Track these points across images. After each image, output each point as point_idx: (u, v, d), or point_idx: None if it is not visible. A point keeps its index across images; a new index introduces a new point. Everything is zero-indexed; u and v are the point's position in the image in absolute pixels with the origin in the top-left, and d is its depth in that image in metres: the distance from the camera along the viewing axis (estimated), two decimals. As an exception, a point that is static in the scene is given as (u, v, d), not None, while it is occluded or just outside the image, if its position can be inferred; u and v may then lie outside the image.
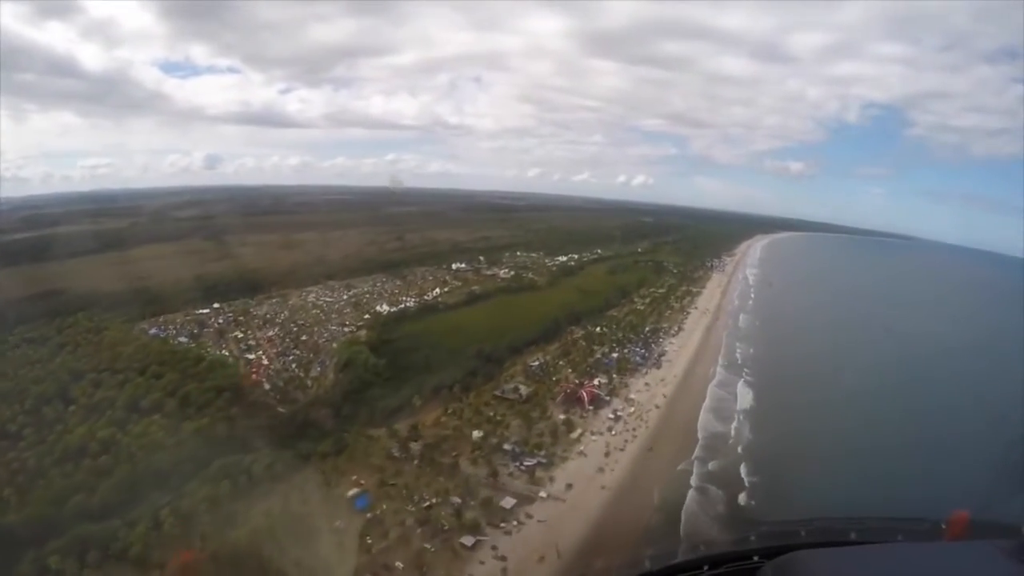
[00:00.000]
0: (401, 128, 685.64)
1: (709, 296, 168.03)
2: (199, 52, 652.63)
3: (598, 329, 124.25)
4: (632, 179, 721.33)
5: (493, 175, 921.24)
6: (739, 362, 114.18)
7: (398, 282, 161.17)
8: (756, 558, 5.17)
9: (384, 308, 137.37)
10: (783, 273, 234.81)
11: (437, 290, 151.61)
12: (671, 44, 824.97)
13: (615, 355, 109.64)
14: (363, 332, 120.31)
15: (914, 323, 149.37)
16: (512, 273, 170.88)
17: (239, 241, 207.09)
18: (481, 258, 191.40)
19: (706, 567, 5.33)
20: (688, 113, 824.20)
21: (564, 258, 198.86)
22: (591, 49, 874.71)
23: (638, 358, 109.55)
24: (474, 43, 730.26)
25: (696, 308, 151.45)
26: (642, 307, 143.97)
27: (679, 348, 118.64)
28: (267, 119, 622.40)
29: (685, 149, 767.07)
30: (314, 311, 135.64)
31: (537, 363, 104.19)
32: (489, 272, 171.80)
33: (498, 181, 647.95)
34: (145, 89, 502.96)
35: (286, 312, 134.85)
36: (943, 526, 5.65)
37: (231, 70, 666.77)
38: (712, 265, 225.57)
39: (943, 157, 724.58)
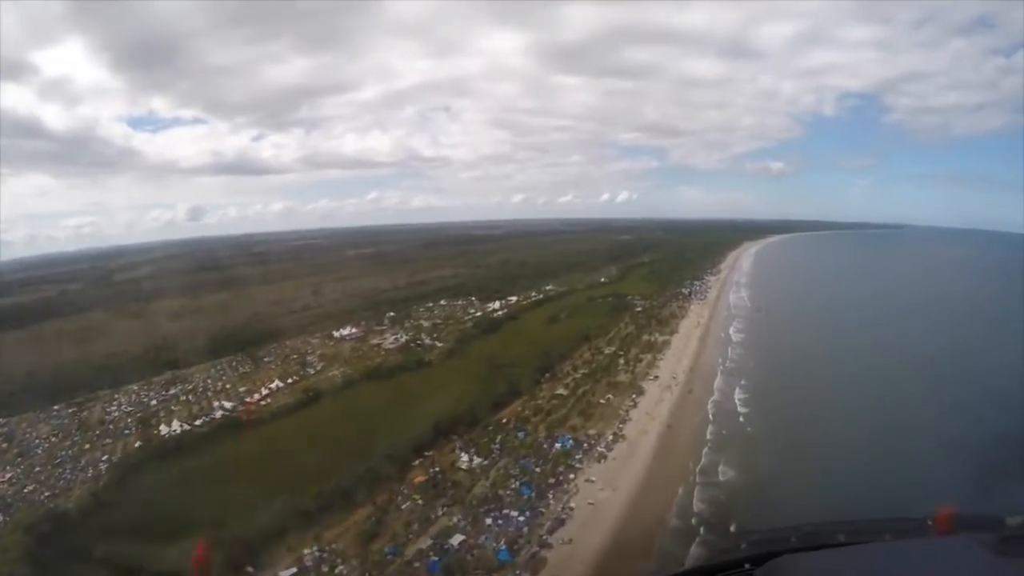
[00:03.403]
0: (378, 166, 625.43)
1: (679, 349, 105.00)
2: (161, 105, 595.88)
3: (465, 459, 63.19)
4: (616, 196, 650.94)
5: (478, 205, 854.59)
6: (698, 512, 52.31)
7: (244, 369, 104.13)
8: (747, 566, 4.51)
9: (173, 427, 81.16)
10: (776, 291, 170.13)
11: (276, 383, 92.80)
12: (635, 51, 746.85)
13: (457, 539, 48.86)
14: (94, 485, 65.66)
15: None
16: (405, 339, 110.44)
17: (134, 311, 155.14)
18: (390, 314, 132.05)
19: None
20: (663, 122, 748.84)
21: (498, 304, 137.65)
22: (555, 65, 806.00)
23: (502, 546, 48.11)
24: (435, 70, 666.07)
25: (656, 377, 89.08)
26: (567, 391, 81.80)
27: (601, 490, 57.29)
28: (243, 167, 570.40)
29: (665, 160, 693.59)
30: (97, 430, 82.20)
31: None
32: (376, 341, 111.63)
33: (483, 211, 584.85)
34: (115, 146, 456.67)
35: (62, 432, 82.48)
36: (929, 523, 5.09)
37: (197, 120, 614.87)
38: (691, 291, 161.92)
39: (926, 140, 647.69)
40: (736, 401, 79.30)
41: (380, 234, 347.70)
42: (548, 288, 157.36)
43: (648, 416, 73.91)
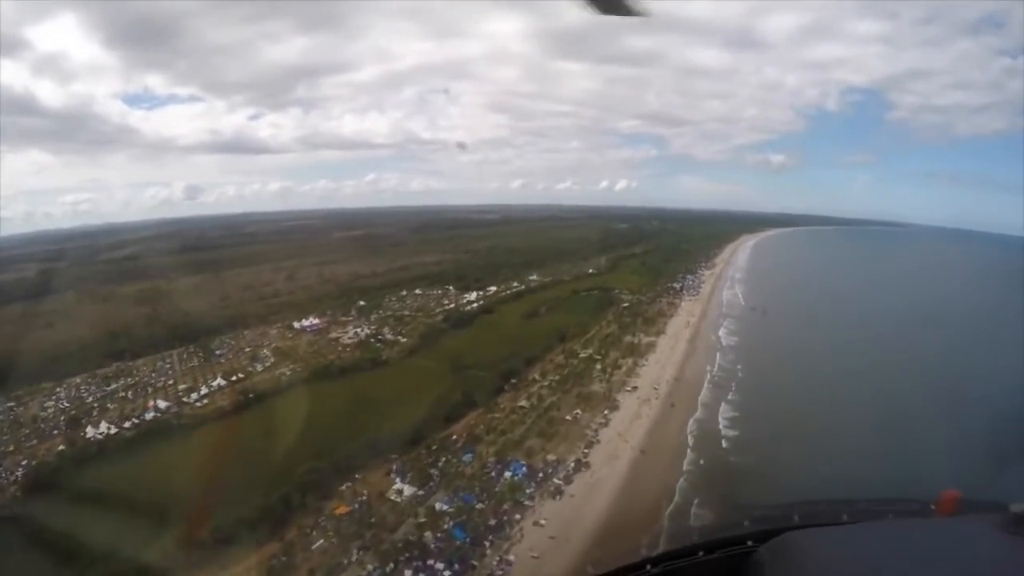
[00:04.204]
0: (376, 147, 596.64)
1: (665, 354, 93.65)
2: (156, 82, 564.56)
3: (397, 487, 52.61)
4: (615, 184, 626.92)
5: (477, 189, 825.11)
6: None
7: (193, 362, 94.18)
8: (750, 543, 4.24)
9: (100, 429, 71.99)
10: (773, 289, 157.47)
11: (219, 381, 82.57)
12: (638, 38, 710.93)
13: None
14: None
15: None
16: (367, 333, 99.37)
17: (104, 295, 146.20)
18: (360, 303, 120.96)
19: (701, 553, 4.36)
20: (664, 111, 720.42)
21: (475, 295, 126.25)
22: (556, 50, 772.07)
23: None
24: (434, 52, 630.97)
25: (635, 388, 77.87)
26: (530, 402, 70.58)
27: (551, 538, 46.28)
28: (240, 146, 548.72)
29: (665, 149, 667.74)
30: (27, 429, 73.80)
31: None
32: (336, 334, 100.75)
33: (481, 195, 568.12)
34: (111, 123, 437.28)
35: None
36: (933, 507, 4.76)
37: (193, 98, 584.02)
38: (683, 286, 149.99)
39: (928, 138, 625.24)
40: (721, 421, 67.98)
41: (374, 216, 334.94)
42: (532, 278, 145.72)
43: (620, 438, 62.72)
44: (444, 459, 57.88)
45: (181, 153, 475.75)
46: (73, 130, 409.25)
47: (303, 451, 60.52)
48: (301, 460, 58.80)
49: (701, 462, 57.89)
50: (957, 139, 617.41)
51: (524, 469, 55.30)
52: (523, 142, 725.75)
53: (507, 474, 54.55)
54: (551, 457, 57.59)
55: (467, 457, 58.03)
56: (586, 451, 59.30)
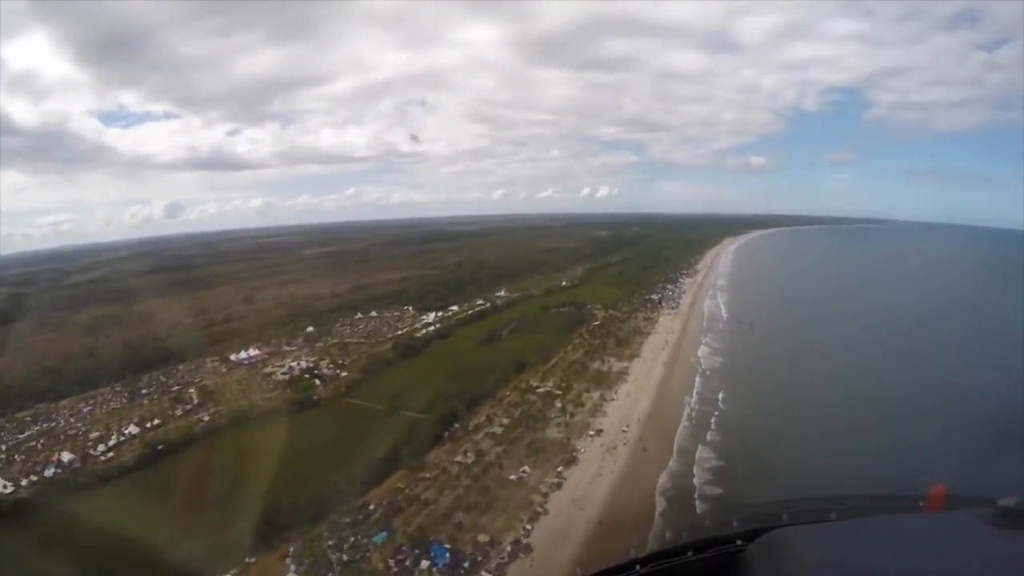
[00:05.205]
0: (356, 161, 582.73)
1: (638, 383, 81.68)
2: (131, 99, 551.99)
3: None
4: (596, 191, 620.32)
5: (459, 200, 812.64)
6: None
7: (116, 404, 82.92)
8: (739, 541, 4.13)
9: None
10: (760, 296, 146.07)
11: (132, 428, 71.96)
12: (614, 44, 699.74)
13: None
14: None
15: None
16: (305, 366, 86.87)
17: (55, 324, 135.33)
18: (309, 328, 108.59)
19: (690, 552, 4.25)
20: (643, 116, 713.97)
21: (434, 316, 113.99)
22: (533, 57, 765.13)
23: None
24: (410, 62, 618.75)
25: (600, 431, 65.77)
26: (467, 457, 58.21)
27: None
28: (219, 163, 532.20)
29: (645, 155, 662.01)
30: None
31: None
32: (271, 368, 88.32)
33: (464, 206, 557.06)
34: (87, 141, 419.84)
35: None
36: (921, 503, 4.56)
37: (169, 115, 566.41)
38: (662, 297, 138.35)
39: (908, 135, 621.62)
40: (697, 474, 55.90)
41: (351, 231, 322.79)
42: (499, 295, 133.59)
43: (574, 505, 50.35)
44: (352, 539, 45.55)
45: (160, 171, 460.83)
46: (48, 149, 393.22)
47: (193, 524, 48.70)
48: (188, 537, 47.11)
49: (668, 536, 45.62)
50: (937, 134, 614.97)
51: (447, 556, 42.98)
52: (504, 152, 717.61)
53: (424, 563, 42.18)
54: (483, 537, 45.22)
55: (380, 537, 45.72)
56: (528, 527, 46.95)
